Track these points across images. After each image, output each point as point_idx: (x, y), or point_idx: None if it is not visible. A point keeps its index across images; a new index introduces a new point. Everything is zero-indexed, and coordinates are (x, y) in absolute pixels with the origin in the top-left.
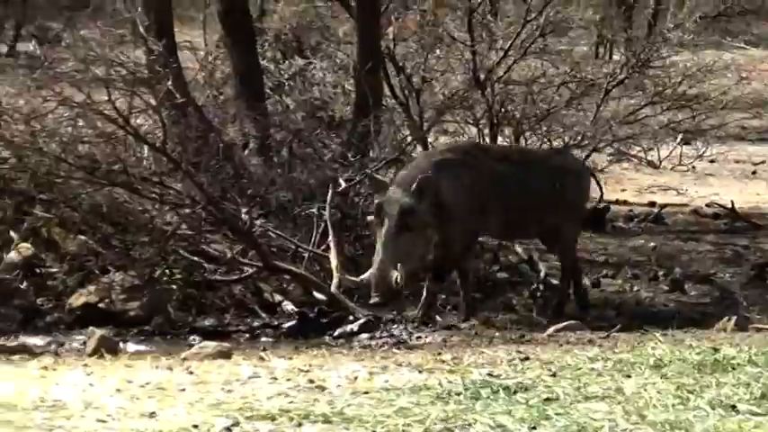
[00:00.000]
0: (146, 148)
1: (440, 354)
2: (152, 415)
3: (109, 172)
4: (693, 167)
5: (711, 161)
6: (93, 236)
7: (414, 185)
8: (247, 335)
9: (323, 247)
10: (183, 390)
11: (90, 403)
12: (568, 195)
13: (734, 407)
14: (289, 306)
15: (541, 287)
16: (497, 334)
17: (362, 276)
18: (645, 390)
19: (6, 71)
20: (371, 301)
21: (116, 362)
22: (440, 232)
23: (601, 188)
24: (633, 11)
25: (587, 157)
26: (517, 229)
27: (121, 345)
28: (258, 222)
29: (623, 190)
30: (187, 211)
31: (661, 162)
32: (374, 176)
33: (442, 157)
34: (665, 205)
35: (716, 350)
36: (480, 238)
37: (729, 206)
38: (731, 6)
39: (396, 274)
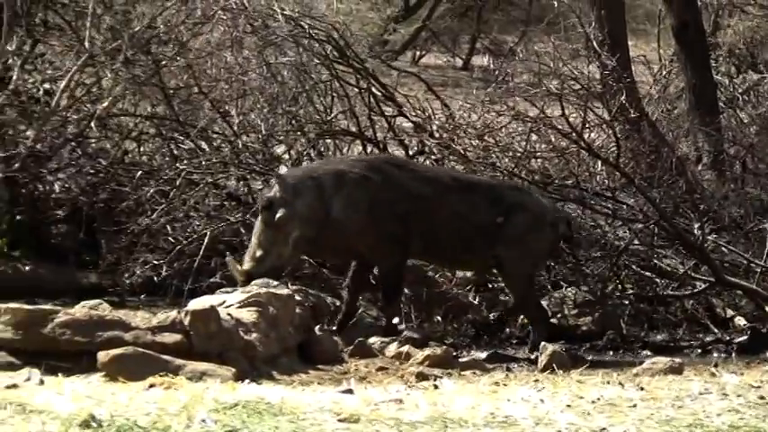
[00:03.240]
0: (599, 162)
1: None
2: (602, 431)
3: (562, 186)
4: None
5: None
6: None
7: (285, 182)
8: (699, 350)
9: None
10: (634, 406)
11: (540, 419)
12: (513, 231)
13: None
14: (741, 321)
15: None
16: None
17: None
18: None
19: (461, 85)
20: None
21: (567, 377)
22: (345, 247)
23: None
24: None
25: None
26: (439, 255)
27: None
28: (710, 237)
29: None
30: (639, 226)
31: None
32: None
33: (345, 168)
34: None
35: None
36: None
37: None
38: None
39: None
